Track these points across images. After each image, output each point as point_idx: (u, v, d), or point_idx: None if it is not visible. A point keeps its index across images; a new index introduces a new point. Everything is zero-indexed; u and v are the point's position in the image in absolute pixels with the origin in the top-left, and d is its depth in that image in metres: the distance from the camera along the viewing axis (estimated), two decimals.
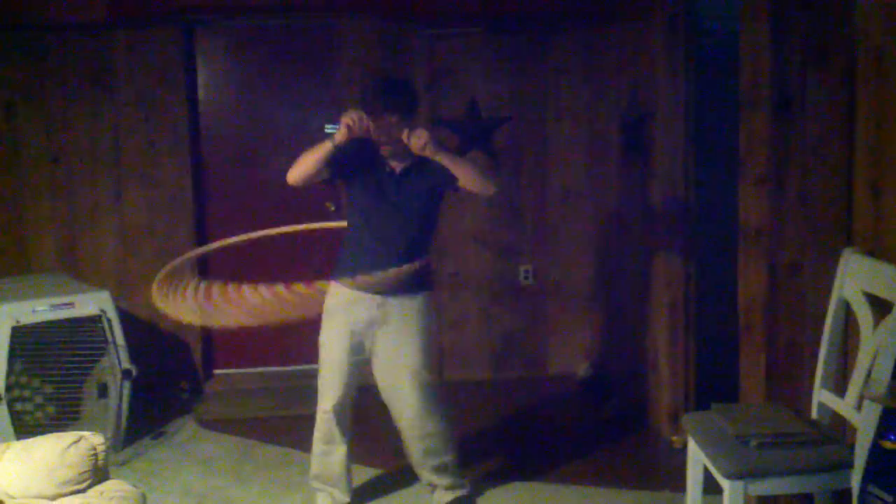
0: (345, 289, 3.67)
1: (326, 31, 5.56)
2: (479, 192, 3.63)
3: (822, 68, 3.37)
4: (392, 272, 3.48)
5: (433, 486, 3.86)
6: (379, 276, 3.51)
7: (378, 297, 3.63)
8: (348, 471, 3.83)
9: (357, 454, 3.93)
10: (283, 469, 4.32)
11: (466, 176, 3.56)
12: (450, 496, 3.83)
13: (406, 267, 3.51)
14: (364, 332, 3.69)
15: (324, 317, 3.73)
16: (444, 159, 3.53)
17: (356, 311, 3.67)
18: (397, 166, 3.65)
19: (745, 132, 3.59)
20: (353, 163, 3.62)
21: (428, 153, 3.49)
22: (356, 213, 3.71)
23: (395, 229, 3.61)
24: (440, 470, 3.80)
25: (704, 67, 4.45)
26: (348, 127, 3.46)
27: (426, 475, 3.85)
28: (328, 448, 3.78)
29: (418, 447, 3.78)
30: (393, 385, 3.72)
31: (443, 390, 3.82)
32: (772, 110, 3.40)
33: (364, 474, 4.14)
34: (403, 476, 4.07)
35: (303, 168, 3.55)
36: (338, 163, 3.57)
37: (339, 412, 3.72)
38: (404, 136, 3.48)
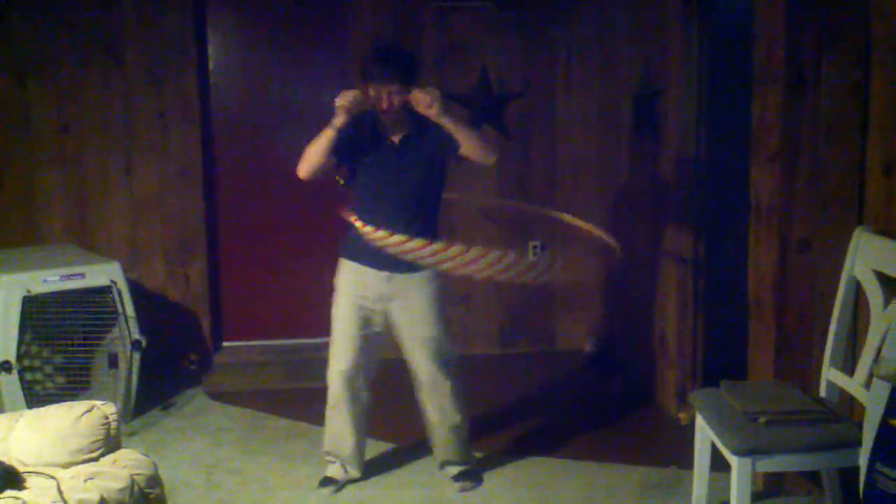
0: (353, 264, 3.69)
1: (339, 3, 5.53)
2: (479, 160, 3.60)
3: (837, 46, 3.34)
4: (394, 245, 3.42)
5: (443, 463, 3.90)
6: (383, 251, 3.48)
7: (386, 273, 3.65)
8: (360, 446, 3.86)
9: (370, 427, 3.94)
10: (291, 441, 4.35)
11: (469, 142, 3.54)
12: (457, 469, 3.86)
13: (410, 245, 3.44)
14: (374, 307, 3.70)
15: (336, 292, 3.75)
16: (447, 123, 3.49)
17: (365, 286, 3.68)
18: (396, 137, 3.63)
19: (757, 109, 3.58)
20: (355, 143, 3.60)
21: (433, 113, 3.45)
22: (360, 189, 3.70)
23: (397, 202, 3.60)
24: (453, 436, 3.84)
25: (718, 43, 4.42)
26: (346, 109, 3.46)
27: (439, 446, 3.89)
28: (339, 422, 3.80)
29: (433, 409, 3.81)
30: (411, 354, 3.77)
31: (456, 357, 3.86)
32: (785, 87, 3.38)
33: (376, 448, 4.16)
34: (415, 450, 4.11)
35: (311, 160, 3.54)
36: (343, 148, 3.56)
37: (347, 385, 3.74)
38: (413, 95, 3.45)
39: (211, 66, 5.58)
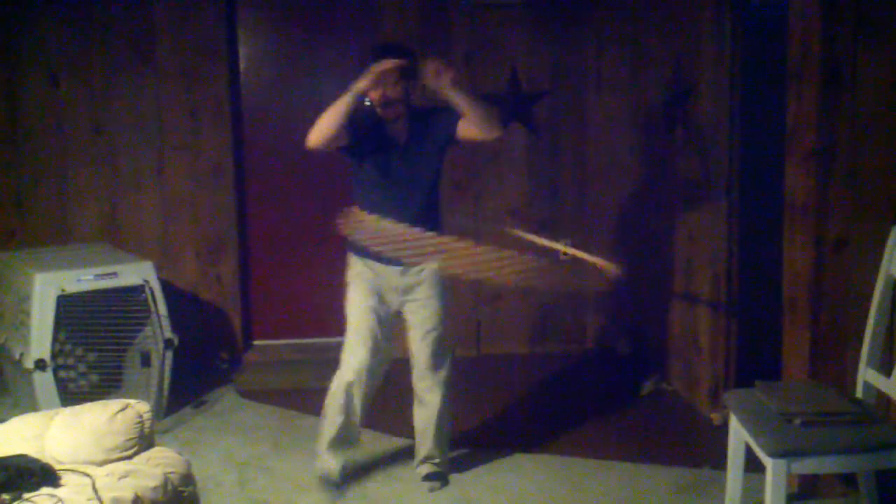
0: (364, 260, 3.73)
1: (367, 2, 5.53)
2: (482, 135, 3.57)
3: (874, 40, 3.31)
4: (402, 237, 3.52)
5: (419, 460, 3.91)
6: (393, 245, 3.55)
7: (399, 268, 3.69)
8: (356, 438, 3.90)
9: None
10: None
11: (475, 112, 3.51)
12: (427, 468, 3.87)
13: (422, 234, 3.54)
14: (387, 300, 3.75)
15: (348, 288, 3.79)
16: (456, 94, 3.48)
17: (377, 281, 3.73)
18: (400, 137, 3.66)
19: (793, 105, 3.53)
20: (364, 135, 3.62)
21: (443, 84, 3.44)
22: (366, 188, 3.72)
23: (404, 200, 3.65)
24: (435, 428, 3.84)
25: (751, 38, 4.37)
26: (374, 77, 3.46)
27: (420, 439, 3.90)
28: (343, 417, 3.81)
29: (425, 394, 3.85)
30: (415, 342, 3.82)
31: (453, 358, 3.91)
32: (821, 83, 3.34)
33: (401, 443, 4.18)
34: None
35: (324, 126, 3.47)
36: (355, 128, 3.56)
37: (359, 382, 3.77)
38: (425, 64, 3.46)
39: (242, 65, 5.60)
